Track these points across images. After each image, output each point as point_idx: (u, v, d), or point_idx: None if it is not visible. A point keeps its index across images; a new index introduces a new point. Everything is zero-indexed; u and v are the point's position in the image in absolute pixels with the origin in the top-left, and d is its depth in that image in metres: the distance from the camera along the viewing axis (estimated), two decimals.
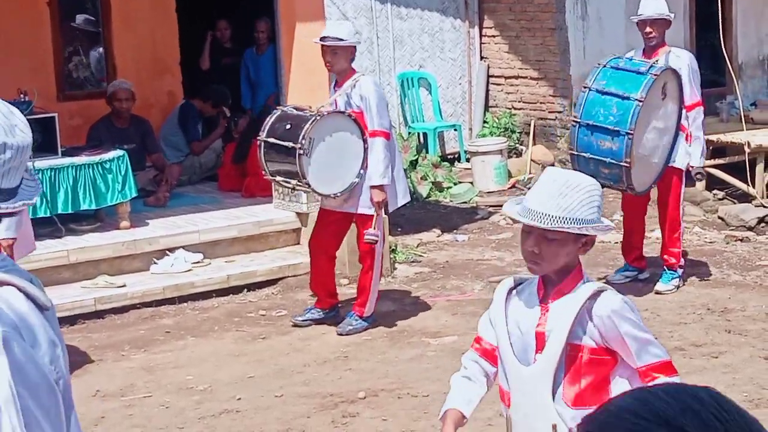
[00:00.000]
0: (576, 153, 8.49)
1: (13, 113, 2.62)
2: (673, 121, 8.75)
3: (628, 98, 8.30)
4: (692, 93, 8.91)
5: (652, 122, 8.68)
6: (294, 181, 8.47)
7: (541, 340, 3.62)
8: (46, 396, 2.31)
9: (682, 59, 8.99)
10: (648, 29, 8.97)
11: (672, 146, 8.78)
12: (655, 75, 8.37)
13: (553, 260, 3.62)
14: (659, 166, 8.79)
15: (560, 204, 3.52)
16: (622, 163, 8.21)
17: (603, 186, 4.08)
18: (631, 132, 8.20)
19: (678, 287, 9.12)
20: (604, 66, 8.74)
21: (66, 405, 2.48)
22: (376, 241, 8.35)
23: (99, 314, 8.72)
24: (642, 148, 8.54)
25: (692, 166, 9.05)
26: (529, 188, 3.84)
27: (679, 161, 8.82)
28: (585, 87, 8.77)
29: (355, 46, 8.45)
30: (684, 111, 8.88)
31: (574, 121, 8.87)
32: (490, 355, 3.79)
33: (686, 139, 8.89)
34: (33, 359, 2.35)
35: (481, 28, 14.26)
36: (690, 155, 8.95)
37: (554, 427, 3.62)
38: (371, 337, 8.14)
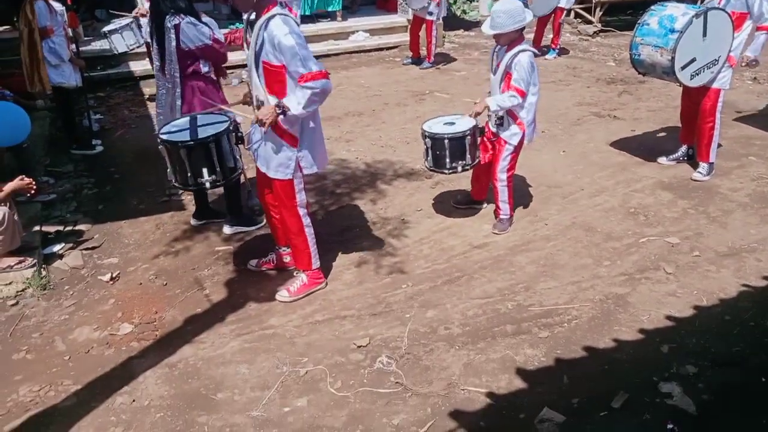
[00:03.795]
0: None
1: None
2: None
3: None
4: None
5: None
6: (404, 3, 9.13)
7: (498, 67, 3.82)
8: (305, 47, 2.80)
9: None
10: None
11: None
12: None
13: (504, 40, 3.75)
14: (552, 5, 8.64)
15: (503, 21, 3.62)
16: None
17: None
18: None
19: (555, 57, 9.00)
20: None
21: None
22: (431, 23, 8.29)
23: (327, 56, 9.09)
24: None
25: (564, 7, 8.96)
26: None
27: (563, 3, 8.83)
28: None
29: None
30: None
31: None
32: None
33: None
34: (301, 34, 2.78)
35: None
36: (567, 1, 8.95)
37: (488, 102, 3.78)
38: (432, 71, 8.41)
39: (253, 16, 2.96)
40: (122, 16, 6.73)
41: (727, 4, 4.55)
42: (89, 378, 2.96)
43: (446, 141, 3.79)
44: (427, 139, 3.84)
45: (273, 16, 2.79)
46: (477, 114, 3.81)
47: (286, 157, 3.11)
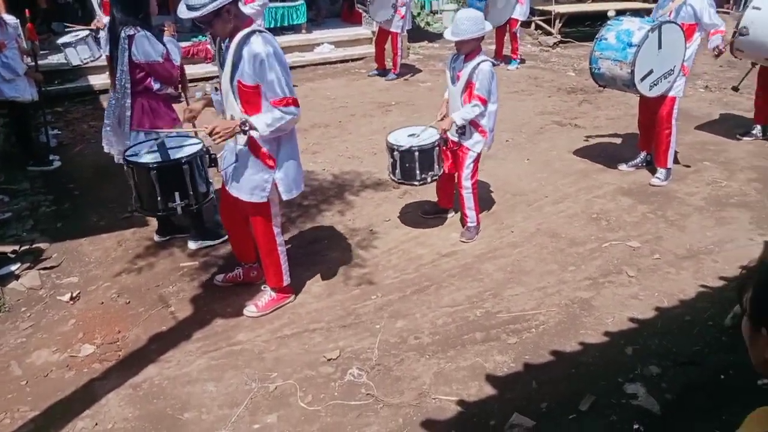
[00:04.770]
0: (468, 6, 7.99)
1: None
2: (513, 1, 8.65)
3: None
4: None
5: (498, 2, 8.56)
6: (368, 16, 8.80)
7: (459, 78, 3.85)
8: (287, 69, 2.83)
9: None
10: None
11: (513, 8, 8.75)
12: None
13: (466, 48, 3.77)
14: (506, 17, 8.78)
15: (467, 27, 3.67)
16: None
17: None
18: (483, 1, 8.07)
19: (517, 67, 9.13)
20: None
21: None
22: (396, 34, 8.40)
23: (292, 68, 8.78)
24: (495, 8, 8.43)
25: (518, 18, 8.98)
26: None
27: (516, 14, 8.86)
28: None
29: None
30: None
31: None
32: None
33: (521, 3, 8.82)
34: (283, 55, 2.77)
35: None
36: (522, 13, 8.96)
37: (454, 117, 3.83)
38: (397, 83, 8.47)
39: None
40: (78, 29, 6.61)
41: (677, 17, 4.73)
42: (48, 403, 2.89)
43: (416, 153, 3.82)
44: (396, 153, 3.84)
45: (253, 32, 2.74)
46: (445, 132, 3.85)
47: (263, 179, 3.05)
